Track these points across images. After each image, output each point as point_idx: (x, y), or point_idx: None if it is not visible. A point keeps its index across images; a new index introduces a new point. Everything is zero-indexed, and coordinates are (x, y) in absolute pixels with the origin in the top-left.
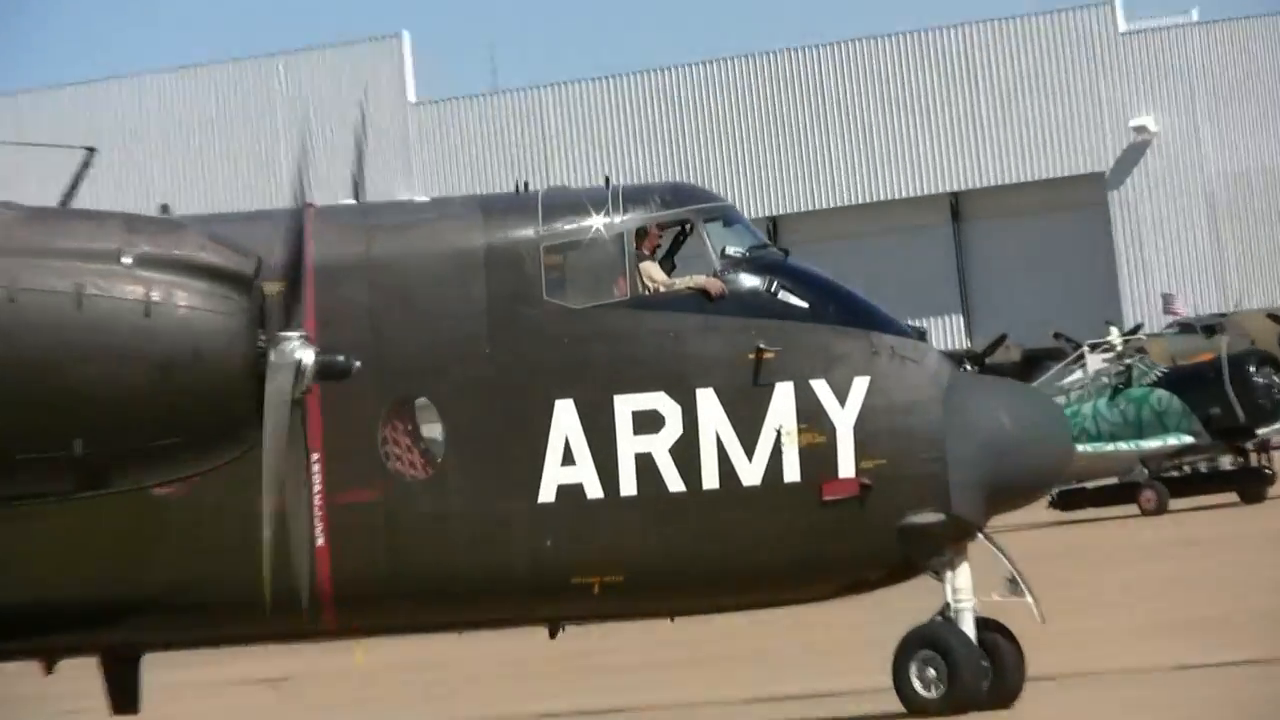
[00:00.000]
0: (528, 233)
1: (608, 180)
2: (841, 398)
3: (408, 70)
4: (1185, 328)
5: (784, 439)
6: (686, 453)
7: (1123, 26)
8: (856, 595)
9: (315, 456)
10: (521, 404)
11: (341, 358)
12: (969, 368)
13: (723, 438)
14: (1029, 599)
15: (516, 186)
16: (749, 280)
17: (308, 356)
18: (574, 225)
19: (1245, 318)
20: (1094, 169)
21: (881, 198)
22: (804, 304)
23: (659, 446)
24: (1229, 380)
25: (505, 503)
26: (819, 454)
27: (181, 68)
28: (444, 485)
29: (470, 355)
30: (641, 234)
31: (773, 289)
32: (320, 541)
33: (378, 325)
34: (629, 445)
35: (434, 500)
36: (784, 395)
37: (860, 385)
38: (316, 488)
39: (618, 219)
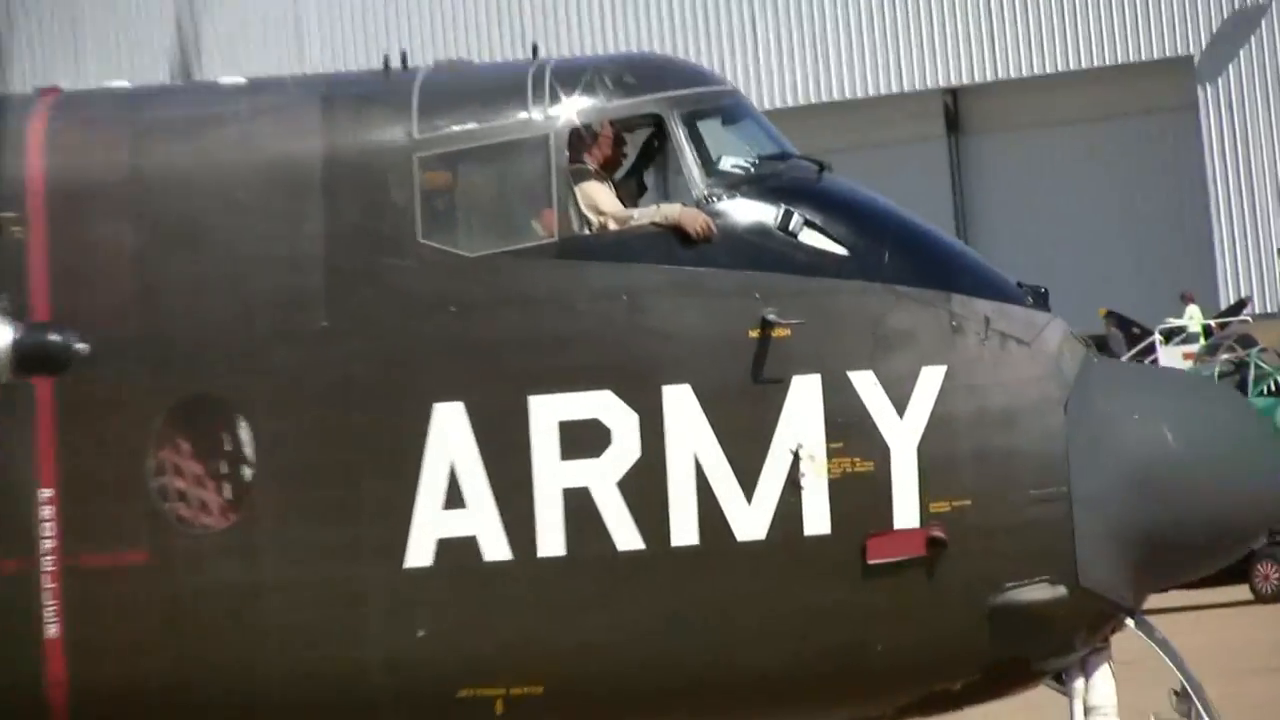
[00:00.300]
0: (395, 136)
1: (535, 50)
2: (900, 401)
3: None
4: None
5: (805, 467)
6: (646, 489)
7: None
8: (932, 716)
9: (45, 495)
10: (380, 410)
11: (56, 337)
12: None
13: (705, 465)
14: None
15: (386, 62)
16: (753, 211)
17: (1, 336)
18: (471, 124)
19: None
20: (1175, 51)
21: (837, 96)
22: (842, 249)
23: (602, 478)
24: None
25: (352, 568)
26: (862, 491)
27: None
28: (253, 541)
29: (298, 332)
30: (583, 137)
31: (791, 226)
32: (52, 629)
33: (151, 285)
34: (554, 476)
35: (238, 565)
36: (805, 396)
37: (931, 380)
38: (46, 545)
39: (540, 114)
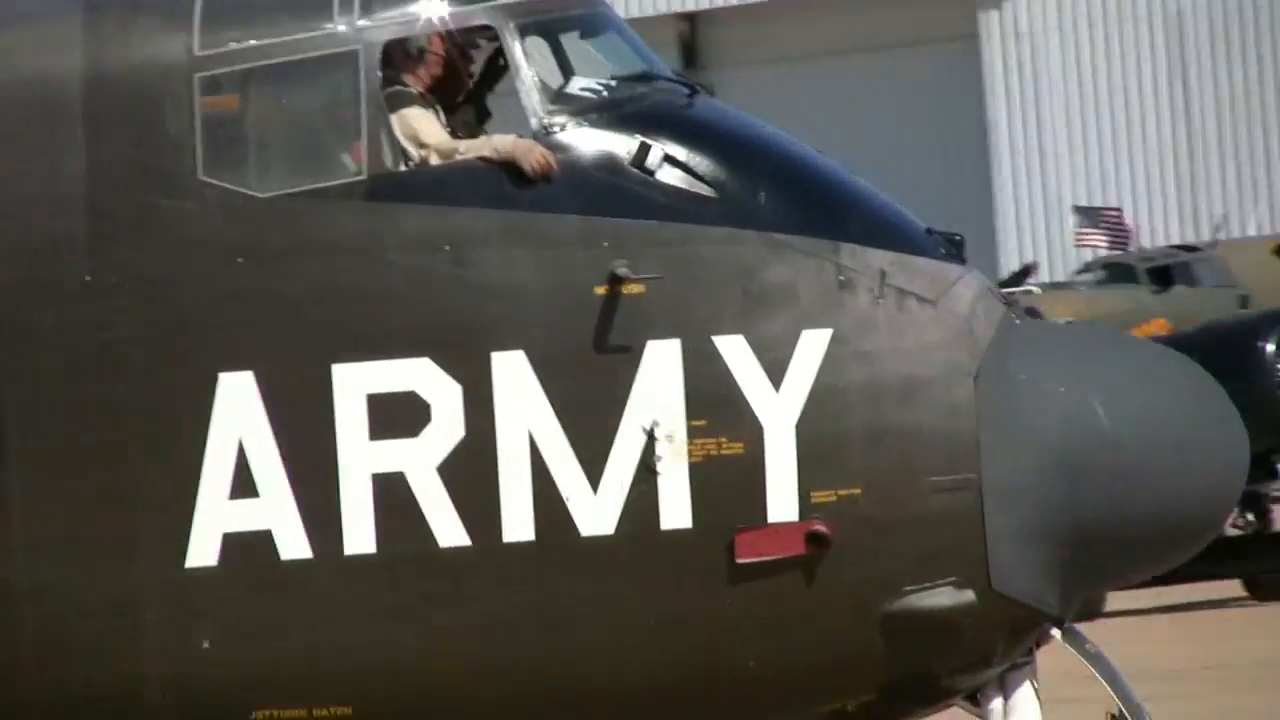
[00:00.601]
0: (170, 49)
1: None
2: (776, 371)
3: None
4: (1118, 270)
5: (661, 450)
6: (472, 474)
7: None
8: None
9: None
10: (154, 381)
11: None
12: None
13: (542, 447)
14: None
15: None
16: (603, 143)
17: None
18: (264, 38)
19: (1235, 251)
20: None
21: None
22: (708, 190)
23: (419, 462)
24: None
25: (122, 568)
26: (730, 477)
27: None
28: (4, 537)
29: (53, 288)
30: (405, 52)
31: (647, 161)
32: None
33: None
34: (362, 460)
35: None
36: (662, 366)
37: (813, 346)
38: None
39: (348, 24)
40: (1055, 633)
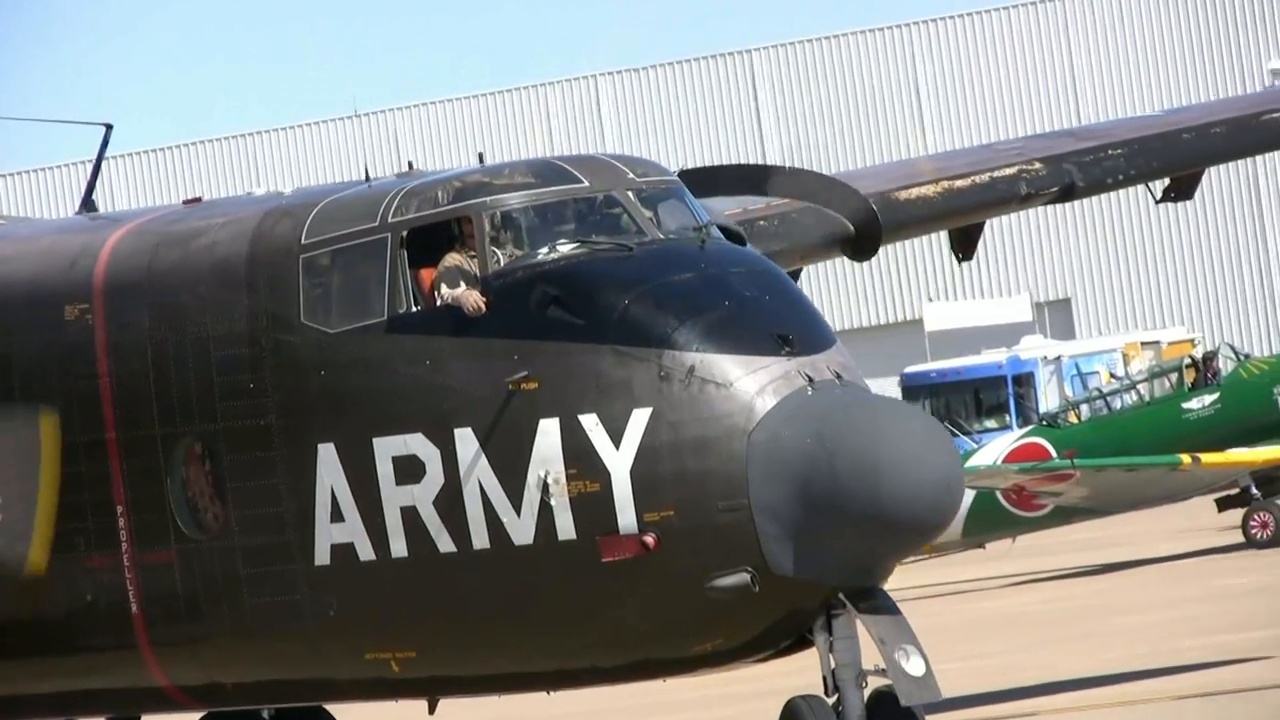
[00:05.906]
0: (289, 241)
1: (481, 157)
2: (616, 436)
3: None
4: None
5: (552, 488)
6: (451, 506)
7: None
8: (729, 667)
9: (119, 510)
10: (285, 449)
11: None
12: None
13: (486, 488)
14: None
15: (367, 176)
16: (517, 292)
17: None
18: (338, 231)
19: None
20: None
21: None
22: (579, 320)
23: (422, 498)
24: None
25: (284, 565)
26: (593, 506)
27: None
28: (230, 544)
29: (235, 390)
30: (421, 235)
31: (541, 303)
32: (135, 608)
33: (160, 356)
34: (393, 497)
35: (223, 561)
36: (548, 434)
37: (639, 419)
38: (124, 545)
39: (380, 222)
40: (846, 602)
